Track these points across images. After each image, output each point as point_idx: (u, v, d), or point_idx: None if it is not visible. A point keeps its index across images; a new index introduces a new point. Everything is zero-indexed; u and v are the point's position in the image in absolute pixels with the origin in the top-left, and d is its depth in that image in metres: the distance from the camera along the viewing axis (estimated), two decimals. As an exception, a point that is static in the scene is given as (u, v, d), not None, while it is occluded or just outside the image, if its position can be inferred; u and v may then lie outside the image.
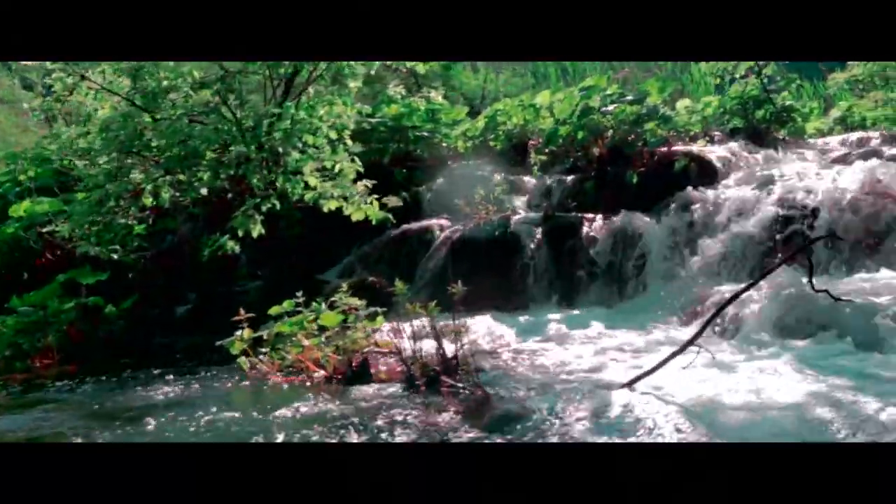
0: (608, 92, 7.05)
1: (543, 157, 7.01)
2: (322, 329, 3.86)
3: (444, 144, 7.70)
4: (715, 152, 6.78)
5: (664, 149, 6.62)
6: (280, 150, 4.37)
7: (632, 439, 2.37)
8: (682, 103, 8.17)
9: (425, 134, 7.10)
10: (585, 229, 5.86)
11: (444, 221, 6.41)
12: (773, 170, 6.20)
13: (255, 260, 6.52)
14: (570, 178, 6.97)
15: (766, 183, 5.87)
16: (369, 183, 5.38)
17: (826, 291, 3.24)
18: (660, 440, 2.30)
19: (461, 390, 3.13)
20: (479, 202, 5.99)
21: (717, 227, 5.49)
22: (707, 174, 6.46)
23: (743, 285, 3.26)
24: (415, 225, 6.44)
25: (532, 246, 5.82)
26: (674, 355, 2.86)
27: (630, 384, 2.83)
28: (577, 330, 4.52)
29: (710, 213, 5.65)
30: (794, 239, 5.02)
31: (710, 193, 5.89)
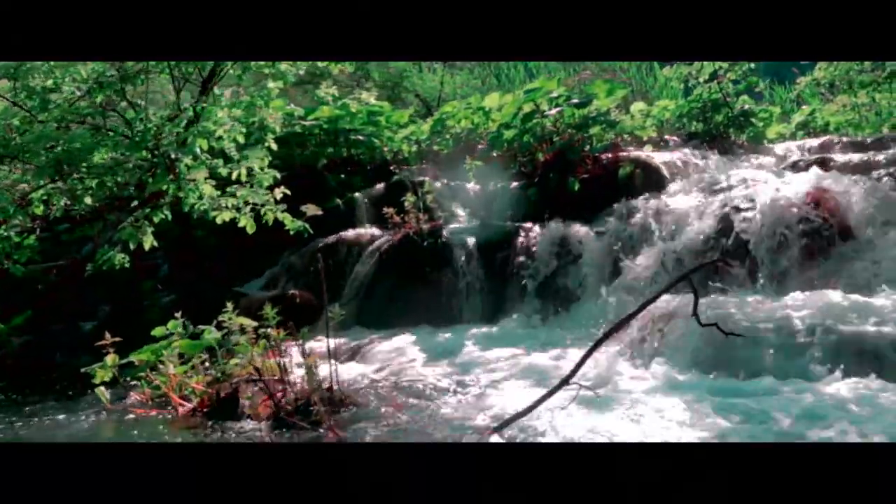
0: (554, 94, 6.73)
1: (479, 164, 6.67)
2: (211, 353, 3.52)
3: (386, 148, 7.36)
4: (663, 158, 6.47)
5: (610, 155, 6.31)
6: (173, 155, 4.02)
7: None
8: (636, 106, 7.87)
9: (361, 138, 6.74)
10: (521, 239, 5.54)
11: (376, 231, 6.07)
12: (721, 177, 5.89)
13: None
14: (514, 184, 6.65)
15: (711, 191, 5.58)
16: (285, 190, 5.02)
17: (715, 325, 2.92)
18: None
19: (317, 428, 2.78)
20: (409, 210, 5.64)
21: (656, 237, 5.18)
22: (653, 181, 6.15)
23: (631, 312, 2.95)
24: (345, 234, 6.09)
25: (464, 257, 5.49)
26: (548, 395, 2.52)
27: (499, 428, 2.48)
28: (495, 350, 4.19)
29: (650, 222, 5.34)
30: (735, 252, 4.71)
31: (652, 202, 5.58)
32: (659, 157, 6.49)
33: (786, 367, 3.19)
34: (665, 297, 3.76)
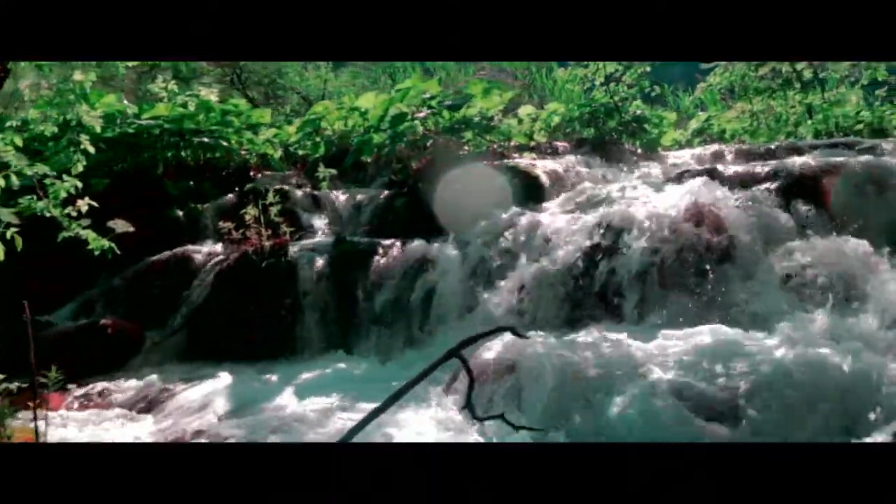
0: (429, 94, 6.09)
1: (332, 171, 5.95)
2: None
3: (244, 151, 6.54)
4: (546, 167, 5.93)
5: (485, 163, 5.72)
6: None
7: None
8: (524, 110, 7.33)
9: (206, 140, 5.91)
10: (378, 259, 4.86)
11: (217, 247, 5.27)
12: (602, 189, 5.37)
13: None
14: (384, 194, 5.97)
15: (590, 204, 5.05)
16: (91, 202, 4.17)
17: (501, 416, 2.36)
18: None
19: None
20: (250, 224, 4.87)
21: (526, 256, 4.59)
22: (532, 192, 5.59)
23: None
24: (181, 251, 5.26)
25: (311, 279, 4.76)
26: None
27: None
28: (315, 399, 3.48)
29: (521, 240, 4.75)
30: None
31: (525, 216, 5.00)
32: (541, 166, 5.95)
33: (636, 428, 2.61)
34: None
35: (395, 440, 2.53)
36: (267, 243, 4.85)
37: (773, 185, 4.83)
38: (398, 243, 4.98)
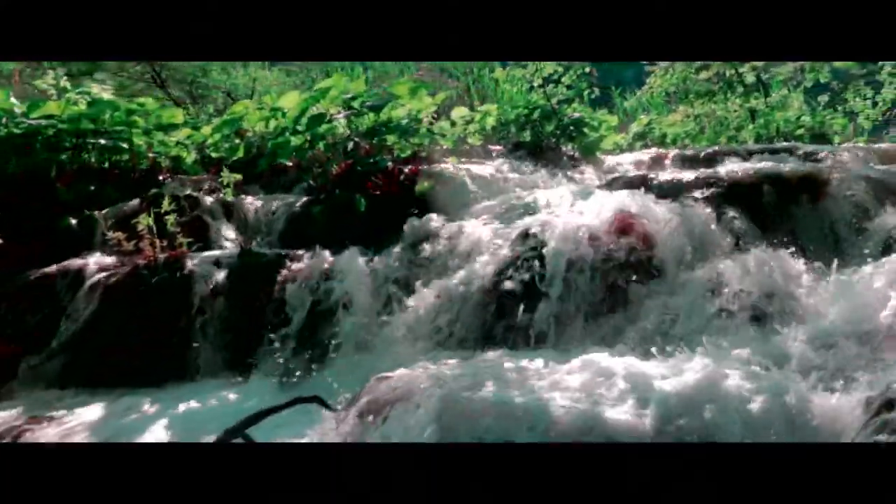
0: (352, 94, 5.70)
1: (237, 176, 5.53)
2: None
3: (152, 154, 6.06)
4: (476, 172, 5.60)
5: (410, 168, 5.36)
6: None
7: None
8: (457, 112, 6.99)
9: (103, 141, 5.42)
10: (285, 272, 4.45)
11: (108, 259, 4.79)
12: (531, 195, 5.06)
13: None
14: (301, 200, 5.56)
15: (515, 213, 4.73)
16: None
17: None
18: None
19: None
20: (143, 235, 4.42)
21: (442, 268, 4.25)
22: (458, 199, 5.25)
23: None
24: (69, 264, 4.76)
25: (208, 295, 4.33)
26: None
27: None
28: (193, 433, 3.07)
29: (440, 250, 4.41)
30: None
31: (447, 225, 4.66)
32: (469, 171, 5.61)
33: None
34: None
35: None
36: (161, 256, 4.40)
37: (705, 194, 4.58)
38: (308, 254, 4.59)
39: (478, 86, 10.10)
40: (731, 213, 4.33)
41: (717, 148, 7.15)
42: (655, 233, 3.98)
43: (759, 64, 10.76)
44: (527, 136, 7.28)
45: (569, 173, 6.31)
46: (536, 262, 3.89)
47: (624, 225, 4.03)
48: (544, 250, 3.90)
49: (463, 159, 6.47)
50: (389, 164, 5.21)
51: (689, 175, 4.92)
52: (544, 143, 7.02)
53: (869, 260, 3.94)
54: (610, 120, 8.06)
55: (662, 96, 10.00)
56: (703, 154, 7.04)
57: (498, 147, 6.96)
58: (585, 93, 9.58)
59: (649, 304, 3.65)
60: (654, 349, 3.18)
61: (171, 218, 4.43)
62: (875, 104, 12.16)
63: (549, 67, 8.58)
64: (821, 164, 5.08)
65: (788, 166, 4.87)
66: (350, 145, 5.43)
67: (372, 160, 5.15)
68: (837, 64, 11.07)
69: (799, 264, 3.82)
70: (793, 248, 4.00)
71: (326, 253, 4.49)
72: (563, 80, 8.58)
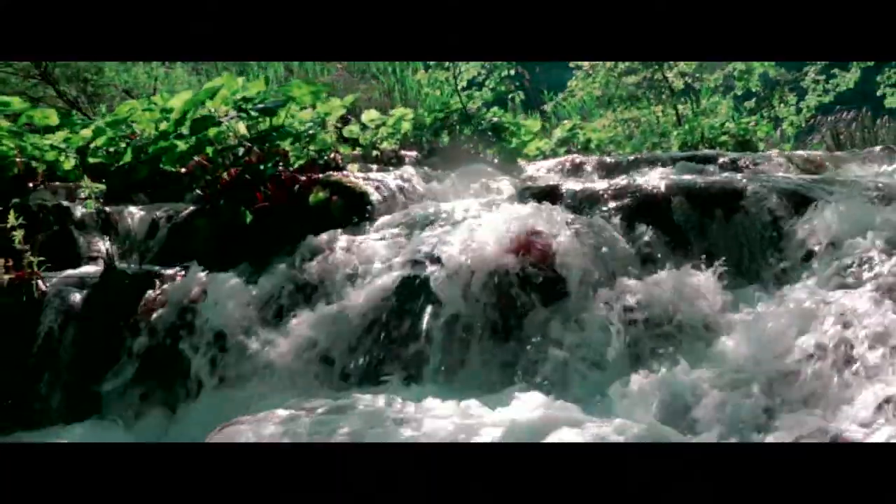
0: (245, 94, 5.21)
1: (100, 187, 5.00)
2: None
3: (20, 159, 5.44)
4: (378, 181, 5.18)
5: (306, 177, 4.91)
6: None
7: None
8: (368, 115, 6.56)
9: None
10: (151, 295, 3.95)
11: (-49, 281, 4.19)
12: (435, 207, 4.68)
13: None
14: (186, 211, 5.04)
15: (416, 227, 4.34)
16: None
17: None
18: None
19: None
20: (-15, 253, 3.86)
21: (328, 290, 3.82)
22: (358, 211, 4.83)
23: None
24: None
25: (58, 322, 3.80)
26: None
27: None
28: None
29: (328, 269, 3.98)
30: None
31: (340, 241, 4.24)
32: (373, 180, 5.19)
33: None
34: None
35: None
36: (5, 277, 3.84)
37: (618, 206, 4.29)
38: (181, 273, 4.10)
39: (402, 88, 9.68)
40: (642, 228, 4.04)
41: (639, 155, 6.92)
42: (559, 251, 3.64)
43: (689, 69, 10.70)
44: (444, 140, 6.91)
45: (484, 181, 5.95)
46: (430, 285, 3.50)
47: (527, 242, 3.68)
48: (436, 272, 3.51)
49: (376, 166, 6.07)
50: (283, 171, 4.74)
51: (601, 185, 4.62)
52: (461, 150, 6.65)
53: (784, 281, 3.71)
54: (532, 125, 7.76)
55: (591, 101, 9.78)
56: (624, 161, 6.81)
57: (411, 153, 6.55)
58: (517, 97, 9.31)
59: (548, 332, 3.30)
60: (546, 386, 2.85)
61: (18, 234, 3.87)
62: (799, 111, 12.25)
63: (473, 69, 8.26)
64: (737, 175, 4.85)
65: (703, 177, 4.62)
66: (241, 151, 4.94)
67: (262, 167, 4.67)
68: (773, 72, 11.03)
69: (709, 287, 3.54)
70: (705, 267, 3.72)
71: (201, 272, 4.00)
72: (487, 82, 8.27)
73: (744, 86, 11.56)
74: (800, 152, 7.48)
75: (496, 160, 6.89)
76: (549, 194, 4.63)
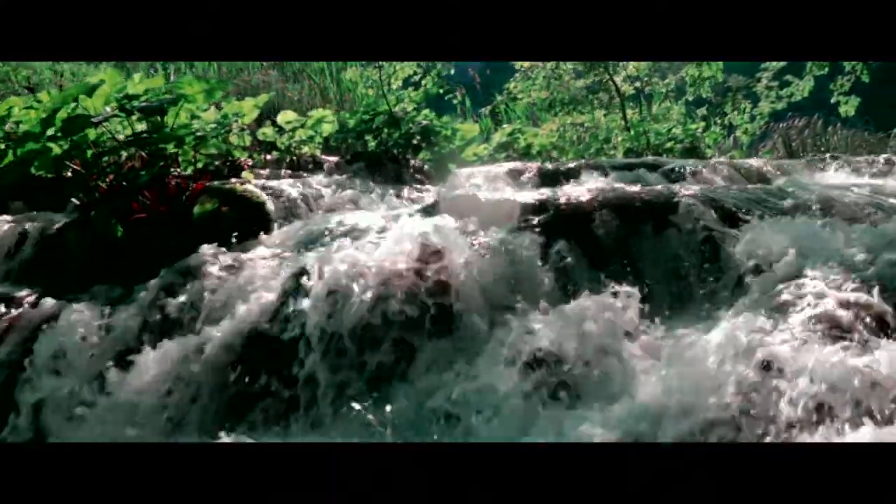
0: (129, 92, 4.62)
1: None
2: None
3: None
4: (279, 190, 4.65)
5: (196, 185, 4.35)
6: None
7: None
8: (284, 117, 6.01)
9: None
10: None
11: None
12: (338, 218, 4.17)
13: None
14: (58, 223, 4.45)
15: (307, 244, 3.83)
16: None
17: None
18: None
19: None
20: None
21: (190, 323, 3.28)
22: (254, 225, 4.29)
23: None
24: None
25: None
26: None
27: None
28: None
29: (204, 294, 3.44)
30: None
31: (219, 260, 3.70)
32: (274, 189, 4.66)
33: None
34: None
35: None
36: None
37: (536, 220, 3.83)
38: (30, 298, 3.52)
39: (338, 89, 9.13)
40: (561, 245, 3.58)
41: (579, 162, 6.49)
42: (461, 275, 3.15)
43: (641, 73, 10.37)
44: (373, 145, 6.39)
45: (406, 191, 5.46)
46: (300, 316, 2.99)
47: (422, 263, 3.19)
48: (309, 302, 3.00)
49: (287, 172, 5.54)
50: (169, 178, 4.18)
51: (522, 196, 4.16)
52: (388, 155, 6.14)
53: (716, 307, 3.29)
54: (469, 129, 7.28)
55: (541, 104, 9.34)
56: (563, 168, 6.38)
57: (331, 158, 6.03)
58: (457, 98, 8.84)
59: (436, 377, 2.81)
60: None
61: None
62: (753, 118, 12.02)
63: (408, 68, 7.77)
64: (673, 186, 4.42)
65: (634, 188, 4.18)
66: (124, 155, 4.37)
67: (145, 173, 4.11)
68: (719, 76, 10.78)
69: (632, 316, 3.09)
70: (629, 291, 3.27)
71: (48, 299, 3.43)
72: (424, 82, 7.79)
73: (695, 91, 11.29)
74: (747, 160, 7.14)
75: (426, 167, 6.39)
76: (466, 206, 4.15)
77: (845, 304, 2.62)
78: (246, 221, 4.25)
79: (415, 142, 6.15)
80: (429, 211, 4.28)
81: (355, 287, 3.03)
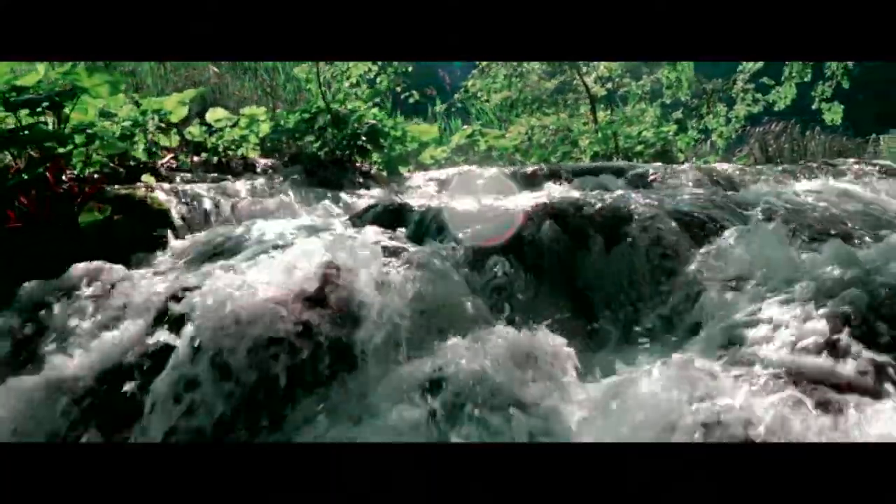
0: (19, 83, 4.07)
1: None
2: None
3: None
4: (191, 196, 4.11)
5: (89, 188, 3.81)
6: None
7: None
8: (213, 114, 5.48)
9: None
10: None
11: None
12: (247, 230, 3.65)
13: None
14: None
15: (204, 257, 3.30)
16: None
17: None
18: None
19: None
20: None
21: (45, 356, 2.75)
22: (152, 234, 3.76)
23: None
24: None
25: None
26: None
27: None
28: None
29: (62, 320, 2.91)
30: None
31: (105, 275, 3.17)
32: (185, 194, 4.12)
33: None
34: None
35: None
36: None
37: (472, 233, 3.33)
38: None
39: (290, 86, 8.59)
40: (496, 262, 3.09)
41: (538, 167, 6.01)
42: (365, 300, 2.65)
43: (614, 74, 9.96)
44: (315, 147, 5.87)
45: (346, 197, 4.94)
46: (169, 350, 2.46)
47: (321, 285, 2.68)
48: (181, 333, 2.48)
49: (213, 175, 5.01)
50: (70, 180, 3.65)
51: (459, 205, 3.67)
52: (332, 158, 5.62)
53: (670, 336, 2.83)
54: (426, 130, 6.78)
55: (495, 103, 8.83)
56: (520, 173, 5.90)
57: (267, 161, 5.50)
58: (413, 98, 8.36)
59: (337, 411, 2.31)
60: None
61: None
62: (729, 121, 11.65)
63: (362, 65, 7.26)
64: (630, 195, 3.94)
65: (586, 196, 3.70)
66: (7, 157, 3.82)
67: (25, 175, 3.57)
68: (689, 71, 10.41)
69: (570, 347, 2.60)
70: (571, 316, 2.80)
71: None
72: (378, 78, 7.29)
73: (673, 94, 10.90)
74: (720, 165, 6.71)
75: (374, 170, 5.88)
76: (391, 217, 3.66)
77: (815, 345, 2.15)
78: (145, 231, 3.72)
79: (361, 143, 5.64)
80: (356, 221, 3.78)
81: (235, 319, 2.51)
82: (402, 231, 3.50)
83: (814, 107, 11.10)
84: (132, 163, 4.59)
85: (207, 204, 4.03)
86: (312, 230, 3.48)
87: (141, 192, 3.79)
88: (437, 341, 2.60)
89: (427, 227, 3.49)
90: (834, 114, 10.65)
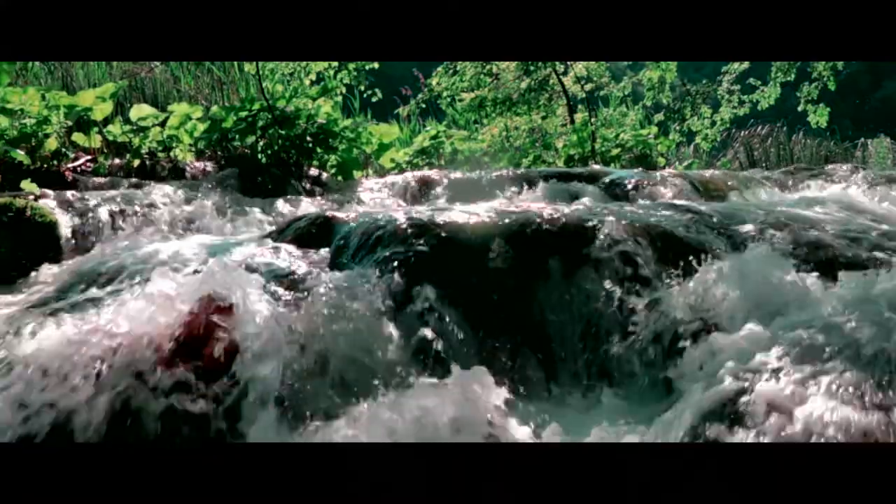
0: None
1: None
2: None
3: None
4: (84, 206, 3.51)
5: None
6: None
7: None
8: (137, 111, 4.87)
9: None
10: None
11: None
12: (150, 247, 3.06)
13: None
14: None
15: (78, 286, 2.71)
16: None
17: None
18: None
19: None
20: None
21: None
22: (36, 250, 3.17)
23: None
24: None
25: None
26: None
27: None
28: None
29: None
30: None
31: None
32: (81, 205, 3.53)
33: None
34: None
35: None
36: None
37: (404, 255, 2.77)
38: None
39: (245, 82, 7.98)
40: (427, 291, 2.53)
41: (504, 171, 5.46)
42: (254, 349, 2.08)
43: (590, 72, 9.46)
44: (259, 149, 5.28)
45: (282, 205, 4.36)
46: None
47: (200, 330, 2.10)
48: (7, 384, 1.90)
49: (132, 181, 4.41)
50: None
51: (396, 218, 3.09)
52: (275, 160, 5.03)
53: (635, 384, 2.30)
54: (387, 132, 6.21)
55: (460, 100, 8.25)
56: (485, 178, 5.35)
57: (200, 164, 4.90)
58: (376, 97, 7.82)
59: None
60: None
61: None
62: (713, 123, 11.19)
63: (320, 63, 6.69)
64: (598, 207, 3.39)
65: (547, 208, 3.13)
66: None
67: None
68: (670, 76, 9.99)
69: (513, 397, 2.06)
70: (516, 359, 2.26)
71: None
72: (339, 76, 6.73)
73: (653, 96, 10.42)
74: (704, 171, 6.19)
75: (324, 175, 5.30)
76: (315, 231, 3.09)
77: (827, 416, 1.61)
78: (22, 248, 3.12)
79: (308, 145, 5.06)
80: (276, 238, 3.20)
81: (82, 371, 1.94)
82: (325, 251, 2.93)
83: (800, 108, 10.68)
84: (33, 166, 3.98)
85: (104, 215, 3.43)
86: (215, 251, 2.90)
87: (19, 201, 3.18)
88: (341, 406, 2.04)
89: (357, 245, 2.91)
90: (820, 116, 10.23)
